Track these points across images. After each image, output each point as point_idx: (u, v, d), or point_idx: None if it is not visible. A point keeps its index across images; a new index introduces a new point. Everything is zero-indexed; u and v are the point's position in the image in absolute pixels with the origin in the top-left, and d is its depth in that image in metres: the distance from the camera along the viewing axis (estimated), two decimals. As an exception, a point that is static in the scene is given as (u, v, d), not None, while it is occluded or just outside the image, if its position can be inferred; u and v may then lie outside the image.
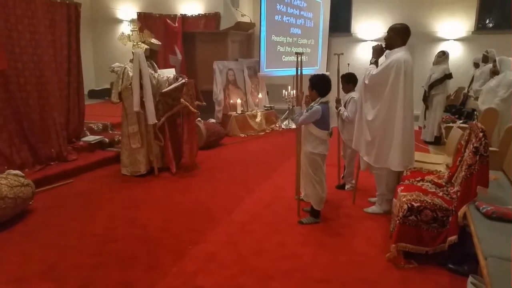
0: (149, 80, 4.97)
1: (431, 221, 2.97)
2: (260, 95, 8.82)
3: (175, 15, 8.35)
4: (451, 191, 3.16)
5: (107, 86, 9.95)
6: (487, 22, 9.68)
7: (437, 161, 4.35)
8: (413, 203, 2.99)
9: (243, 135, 7.83)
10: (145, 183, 5.00)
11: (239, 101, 8.06)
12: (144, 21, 7.74)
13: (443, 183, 3.36)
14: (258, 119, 8.22)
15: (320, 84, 3.69)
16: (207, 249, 3.27)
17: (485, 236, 2.40)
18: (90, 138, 5.91)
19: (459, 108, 7.36)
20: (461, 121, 5.86)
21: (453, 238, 2.91)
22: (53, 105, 5.16)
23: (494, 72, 5.53)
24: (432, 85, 6.99)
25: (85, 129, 6.03)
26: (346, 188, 4.68)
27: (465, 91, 7.88)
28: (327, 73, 10.30)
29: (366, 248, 3.31)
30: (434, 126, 7.13)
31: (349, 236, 3.54)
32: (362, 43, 10.23)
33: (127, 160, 5.23)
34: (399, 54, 3.70)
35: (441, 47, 9.54)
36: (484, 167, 2.82)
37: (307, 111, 3.67)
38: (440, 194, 3.15)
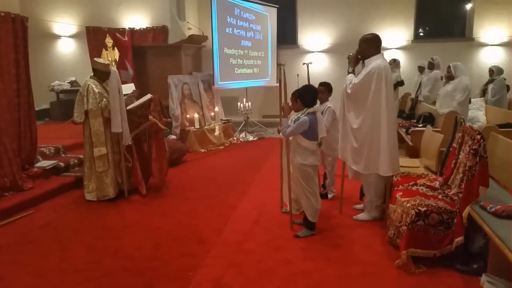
0: (123, 99, 4.61)
1: (437, 224, 3.01)
2: (216, 109, 8.64)
3: (124, 29, 7.93)
4: (450, 193, 3.22)
5: (46, 106, 9.23)
6: (421, 31, 10.36)
7: (414, 164, 4.47)
8: (419, 208, 3.01)
9: (203, 150, 7.59)
10: (115, 208, 4.60)
11: (196, 115, 7.83)
12: (94, 35, 7.25)
13: (437, 186, 3.43)
14: (216, 133, 8.02)
15: (305, 94, 3.64)
16: (211, 275, 3.05)
17: (506, 234, 2.44)
18: (44, 163, 5.36)
19: (410, 113, 7.72)
20: (421, 125, 6.11)
21: (459, 239, 2.97)
22: (3, 130, 4.60)
23: (449, 78, 5.85)
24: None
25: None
26: (329, 197, 4.65)
27: (412, 96, 8.29)
28: (277, 84, 10.39)
29: (371, 257, 3.28)
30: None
31: (348, 246, 3.48)
32: (308, 54, 10.45)
33: (93, 184, 4.79)
34: (377, 61, 3.77)
35: (385, 56, 10.02)
36: (484, 168, 2.91)
37: (294, 122, 3.58)
38: (440, 196, 3.21)
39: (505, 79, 7.27)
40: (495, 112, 6.36)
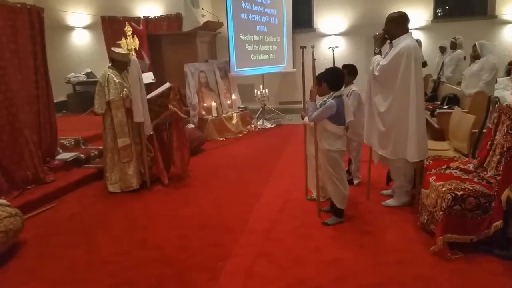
0: (144, 88, 4.56)
1: (474, 209, 2.89)
2: (233, 96, 8.55)
3: (138, 18, 7.86)
4: (486, 175, 3.10)
5: (63, 98, 9.26)
6: (441, 11, 10.03)
7: (443, 147, 4.33)
8: (456, 192, 2.90)
9: (221, 139, 7.53)
10: (139, 198, 4.58)
11: (213, 103, 7.75)
12: (109, 25, 7.20)
13: (472, 169, 3.30)
14: (234, 121, 7.95)
15: (331, 78, 3.51)
16: (241, 264, 3.00)
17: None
18: (65, 155, 5.36)
19: (432, 94, 7.51)
20: (446, 107, 5.93)
21: (498, 223, 2.85)
22: (23, 122, 4.60)
23: (475, 57, 5.65)
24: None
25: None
26: (354, 183, 4.55)
27: (434, 77, 8.07)
28: (294, 70, 10.26)
29: (404, 243, 3.18)
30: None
31: (380, 233, 3.39)
32: (325, 37, 10.23)
33: (115, 176, 4.77)
34: (406, 41, 3.61)
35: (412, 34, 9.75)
36: (525, 148, 2.78)
37: (320, 106, 3.47)
38: (476, 180, 3.08)
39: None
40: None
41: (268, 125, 8.64)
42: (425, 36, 9.62)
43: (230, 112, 8.08)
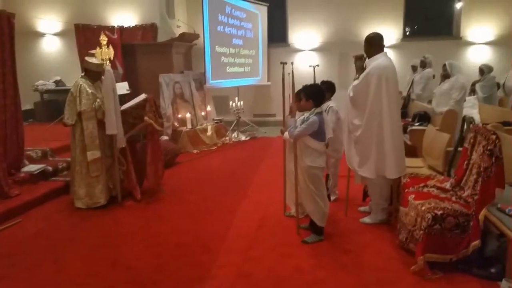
0: (118, 100, 4.41)
1: (453, 228, 2.92)
2: (208, 108, 8.46)
3: (113, 27, 7.68)
4: (463, 195, 3.14)
5: (29, 106, 8.89)
6: (409, 30, 10.33)
7: (418, 164, 4.39)
8: (435, 211, 2.91)
9: (196, 151, 7.41)
10: (110, 214, 4.39)
11: (188, 115, 7.63)
12: (83, 33, 6.98)
13: (448, 188, 3.35)
14: (209, 133, 7.85)
15: (316, 94, 3.50)
16: (221, 287, 2.89)
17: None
18: (32, 167, 5.10)
19: (402, 111, 7.66)
20: (417, 124, 6.06)
21: (476, 242, 2.90)
22: (-12, 133, 4.36)
23: (445, 76, 5.81)
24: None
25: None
26: (331, 199, 4.53)
27: (404, 94, 8.26)
28: (269, 83, 10.29)
29: (384, 262, 3.17)
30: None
31: (359, 252, 3.37)
32: (299, 52, 10.34)
33: (82, 191, 4.56)
34: (378, 60, 3.69)
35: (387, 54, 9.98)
36: (500, 168, 2.84)
37: (302, 122, 3.44)
38: (453, 199, 3.12)
39: (494, 77, 7.29)
40: (488, 110, 6.34)
41: (243, 138, 8.59)
42: (395, 54, 9.86)
43: (205, 124, 7.98)
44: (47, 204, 4.69)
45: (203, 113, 8.32)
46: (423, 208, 3.00)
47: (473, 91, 7.46)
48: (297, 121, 3.54)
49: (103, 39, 4.46)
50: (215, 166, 6.44)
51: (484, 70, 7.09)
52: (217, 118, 8.55)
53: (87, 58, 4.52)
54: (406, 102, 8.01)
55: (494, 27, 9.52)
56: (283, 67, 4.08)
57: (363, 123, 3.71)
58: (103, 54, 4.43)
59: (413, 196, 3.25)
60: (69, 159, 5.52)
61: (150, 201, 4.80)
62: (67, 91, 4.50)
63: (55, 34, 9.15)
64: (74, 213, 4.42)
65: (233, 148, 7.89)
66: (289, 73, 9.59)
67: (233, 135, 8.60)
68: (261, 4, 9.73)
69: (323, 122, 3.45)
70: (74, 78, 8.13)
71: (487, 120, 6.07)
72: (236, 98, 8.98)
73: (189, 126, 7.56)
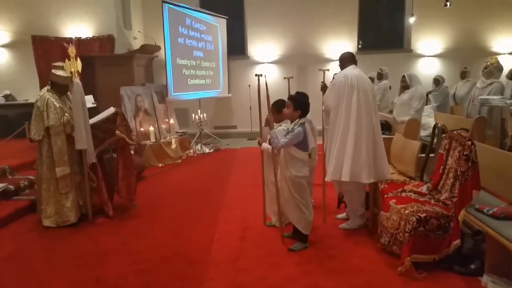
0: (87, 114, 4.24)
1: (436, 229, 3.08)
2: (171, 121, 8.33)
3: (70, 38, 7.40)
4: (441, 198, 3.32)
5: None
6: (362, 43, 10.79)
7: (389, 171, 4.59)
8: (419, 214, 3.07)
9: (161, 165, 7.26)
10: (83, 233, 4.19)
11: (151, 128, 7.48)
12: (40, 44, 6.64)
13: (425, 192, 3.53)
14: (173, 146, 7.73)
15: (305, 104, 3.58)
16: (216, 299, 2.85)
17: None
18: (-9, 187, 4.77)
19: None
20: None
21: (457, 242, 3.08)
22: None
23: (404, 87, 6.12)
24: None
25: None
26: (308, 207, 4.61)
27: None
28: (229, 95, 10.33)
29: (370, 266, 3.28)
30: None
31: (344, 257, 3.45)
32: (258, 65, 10.48)
33: (50, 209, 4.33)
34: (343, 71, 3.90)
35: (330, 67, 10.30)
36: (476, 172, 3.05)
37: (287, 133, 3.50)
38: (433, 202, 3.30)
39: (447, 87, 7.82)
40: (444, 118, 6.77)
41: (207, 150, 8.53)
42: (351, 66, 10.26)
43: (169, 137, 7.85)
44: (13, 224, 4.40)
45: (165, 126, 8.18)
46: (406, 211, 3.15)
47: (426, 101, 7.94)
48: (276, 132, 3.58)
49: (72, 51, 4.28)
50: (184, 180, 6.35)
51: (440, 81, 7.56)
52: (181, 131, 8.44)
53: (54, 71, 4.33)
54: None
55: (442, 41, 10.22)
56: (258, 79, 4.09)
57: (335, 132, 3.85)
58: (72, 66, 4.25)
59: (394, 201, 3.39)
60: (30, 176, 5.29)
61: (124, 217, 4.64)
62: (18, 106, 4.27)
63: (3, 46, 8.64)
64: (44, 233, 4.18)
65: (198, 160, 7.81)
66: (249, 85, 9.69)
67: (196, 147, 8.53)
68: (220, 17, 9.80)
69: (306, 132, 3.53)
70: (27, 92, 7.80)
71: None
72: (199, 111, 8.93)
73: (152, 139, 7.41)
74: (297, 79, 10.39)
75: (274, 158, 3.69)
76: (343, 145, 3.78)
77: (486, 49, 10.19)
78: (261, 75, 4.13)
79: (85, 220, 4.49)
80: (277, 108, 3.96)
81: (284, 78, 4.84)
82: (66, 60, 4.25)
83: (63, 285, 3.11)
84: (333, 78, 4.21)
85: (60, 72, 4.33)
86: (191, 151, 8.28)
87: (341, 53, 4.13)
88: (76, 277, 3.24)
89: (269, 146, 3.81)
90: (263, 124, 3.93)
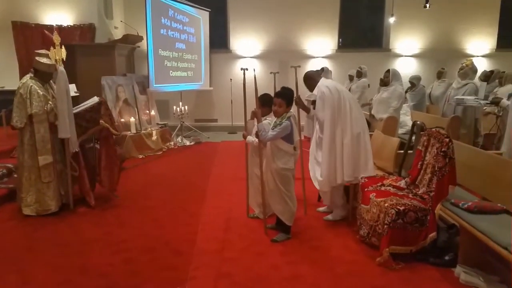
0: (71, 102, 4.20)
1: (414, 222, 3.23)
2: (152, 112, 8.29)
3: (51, 26, 7.24)
4: (419, 192, 3.48)
5: None
6: (341, 41, 10.98)
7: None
8: (398, 207, 3.20)
9: (141, 156, 7.23)
10: (65, 222, 4.17)
11: (132, 119, 7.43)
12: (21, 31, 6.47)
13: (403, 186, 3.68)
14: (154, 138, 7.70)
15: (291, 98, 3.67)
16: (203, 287, 2.91)
17: (488, 229, 2.71)
18: (-32, 175, 4.67)
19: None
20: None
21: (433, 234, 3.24)
22: None
23: (385, 83, 6.27)
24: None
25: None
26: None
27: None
28: (211, 88, 10.34)
29: (351, 256, 3.41)
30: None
31: (326, 247, 3.57)
32: (241, 59, 10.51)
33: (31, 197, 4.29)
34: (321, 84, 4.09)
35: (310, 63, 10.51)
36: (453, 168, 3.22)
37: (275, 126, 3.58)
38: (411, 196, 3.45)
39: (424, 87, 8.06)
40: (421, 117, 6.99)
41: (188, 143, 8.54)
42: (330, 64, 10.41)
43: (150, 129, 7.81)
44: (-10, 213, 4.33)
45: (145, 117, 8.14)
46: (386, 204, 3.28)
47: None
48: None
49: (56, 39, 4.23)
50: (165, 171, 6.35)
51: (415, 83, 7.79)
52: (162, 123, 8.41)
53: (38, 58, 4.27)
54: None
55: (419, 41, 10.51)
56: (244, 73, 4.15)
57: (332, 136, 3.99)
58: (57, 54, 4.20)
59: (374, 194, 3.52)
60: (8, 164, 5.22)
61: (106, 207, 4.63)
62: (17, 93, 4.19)
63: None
64: (25, 221, 4.14)
65: (179, 153, 7.81)
66: (231, 79, 9.73)
67: (177, 140, 8.52)
68: (203, 9, 9.77)
69: (293, 125, 3.63)
70: (4, 79, 7.60)
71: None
72: (180, 103, 8.91)
73: (133, 130, 7.37)
74: (278, 74, 10.50)
75: (260, 150, 3.77)
76: (340, 151, 3.93)
77: (460, 50, 10.56)
78: (246, 69, 4.19)
79: (66, 210, 4.46)
80: (263, 102, 4.02)
81: (271, 73, 4.91)
82: (51, 48, 4.19)
83: (47, 273, 3.10)
84: (313, 93, 4.26)
85: (44, 60, 4.28)
86: (172, 143, 8.26)
87: (304, 73, 4.27)
88: (60, 264, 3.24)
89: (254, 139, 3.89)
90: (248, 118, 4.00)
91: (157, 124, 8.30)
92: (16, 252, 3.46)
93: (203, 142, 8.82)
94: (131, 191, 5.22)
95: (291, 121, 3.59)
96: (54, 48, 4.20)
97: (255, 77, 3.94)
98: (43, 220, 4.19)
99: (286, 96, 3.64)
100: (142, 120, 7.87)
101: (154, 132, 7.75)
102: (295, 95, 3.91)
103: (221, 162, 6.91)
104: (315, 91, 4.09)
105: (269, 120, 3.93)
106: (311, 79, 4.20)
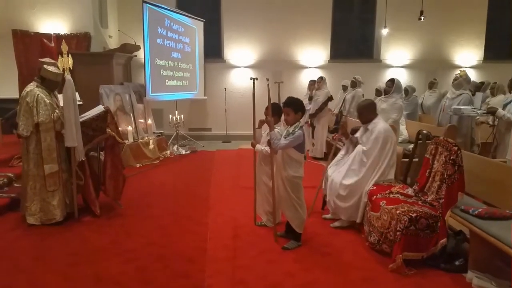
0: (78, 111, 4.18)
1: (425, 228, 3.30)
2: (149, 121, 8.26)
3: (50, 34, 7.19)
4: (428, 199, 3.56)
5: None
6: (333, 52, 11.14)
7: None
8: (410, 214, 3.28)
9: (139, 165, 7.19)
10: (71, 231, 4.13)
11: (129, 128, 7.40)
12: (21, 39, 6.40)
13: (411, 194, 3.75)
14: (151, 147, 7.67)
15: (302, 107, 3.74)
16: (220, 294, 2.93)
17: (500, 233, 2.80)
18: (-31, 184, 4.59)
19: (335, 127, 8.29)
20: (357, 138, 6.61)
21: (444, 240, 3.31)
22: None
23: (386, 92, 6.35)
24: (321, 108, 7.77)
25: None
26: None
27: (336, 111, 8.90)
28: (205, 97, 10.37)
29: (362, 263, 3.46)
30: (322, 144, 7.96)
31: (337, 254, 3.62)
32: (234, 69, 10.58)
33: (35, 206, 4.24)
34: (384, 127, 4.27)
35: (303, 73, 10.65)
36: (462, 175, 3.31)
37: (288, 135, 3.62)
38: (420, 203, 3.52)
39: (417, 97, 8.23)
40: (416, 126, 7.13)
41: (183, 152, 8.52)
42: (323, 74, 10.51)
43: (146, 137, 7.78)
44: (-6, 223, 4.26)
45: (142, 126, 8.10)
46: (397, 211, 3.35)
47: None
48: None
49: (64, 48, 4.22)
50: (165, 180, 6.33)
51: (409, 91, 7.94)
52: (158, 131, 8.39)
53: (45, 67, 4.24)
54: (339, 118, 8.64)
55: (410, 52, 10.77)
56: (254, 83, 4.22)
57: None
58: (64, 63, 4.18)
59: (384, 202, 3.59)
60: (9, 173, 5.16)
61: (110, 216, 4.59)
62: (23, 101, 4.15)
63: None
64: (30, 231, 4.09)
65: (176, 162, 7.79)
66: (225, 88, 9.80)
67: (173, 148, 8.50)
68: (198, 20, 9.83)
69: (304, 135, 3.69)
70: (4, 87, 7.51)
71: (413, 136, 6.84)
72: (176, 112, 8.91)
73: (131, 139, 7.33)
74: (272, 84, 10.59)
75: (271, 158, 3.80)
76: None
77: (449, 62, 10.85)
78: (256, 78, 4.27)
79: (70, 219, 4.41)
80: (272, 111, 4.07)
81: (275, 82, 4.97)
82: (59, 57, 4.18)
83: (59, 282, 3.07)
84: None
85: (52, 68, 4.26)
86: (168, 152, 8.24)
87: (367, 103, 4.43)
88: (72, 274, 3.21)
89: (264, 147, 3.94)
90: (257, 126, 4.06)
91: (154, 133, 8.27)
92: (25, 262, 3.41)
93: (198, 151, 8.82)
94: (134, 200, 5.19)
95: (303, 130, 3.65)
96: (62, 56, 4.18)
97: (268, 86, 4.00)
98: (49, 229, 4.14)
99: (293, 104, 3.70)
100: (139, 129, 7.83)
101: (151, 141, 7.72)
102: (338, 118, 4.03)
103: (219, 171, 6.92)
104: (370, 126, 4.26)
105: (278, 129, 3.98)
106: (371, 112, 4.33)
